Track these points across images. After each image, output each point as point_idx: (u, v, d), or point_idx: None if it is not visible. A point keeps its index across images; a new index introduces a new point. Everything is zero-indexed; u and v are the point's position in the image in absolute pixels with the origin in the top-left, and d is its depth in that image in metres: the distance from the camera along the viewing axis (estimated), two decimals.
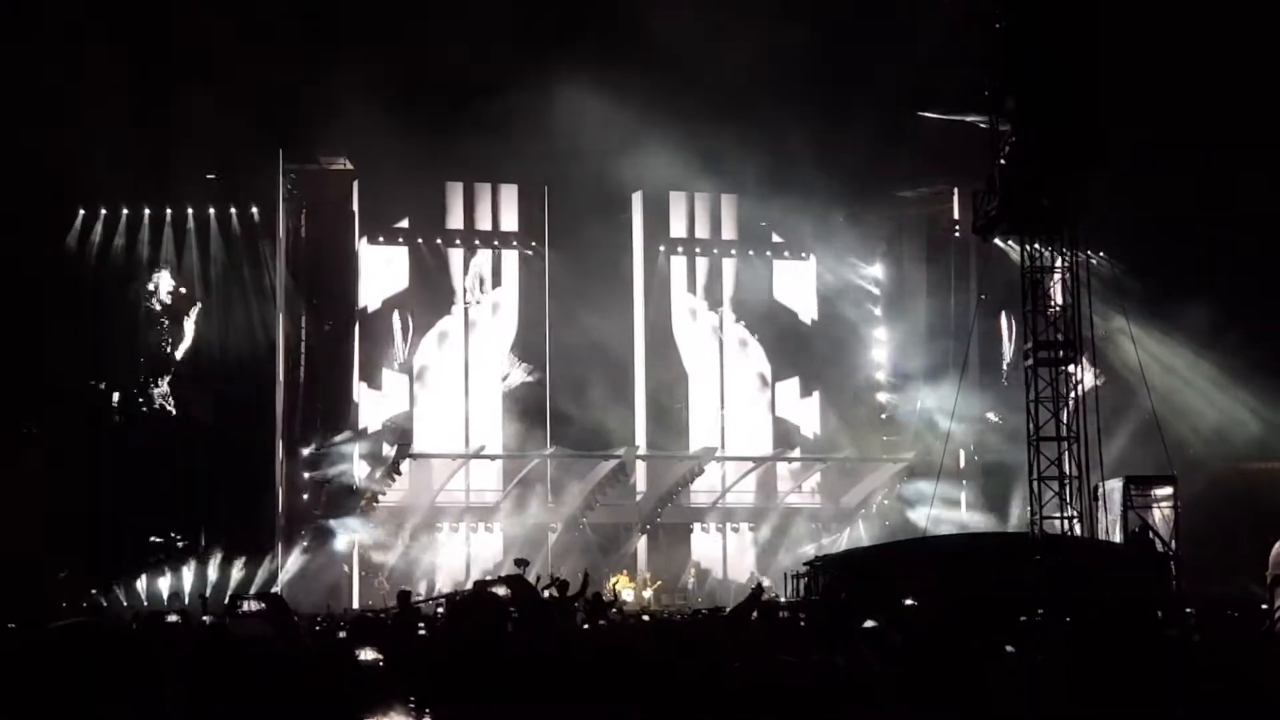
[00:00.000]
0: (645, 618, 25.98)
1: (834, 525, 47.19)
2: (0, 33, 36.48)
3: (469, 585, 35.47)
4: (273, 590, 38.19)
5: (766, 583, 39.11)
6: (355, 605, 40.22)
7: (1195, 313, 41.94)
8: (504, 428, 46.57)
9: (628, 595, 41.46)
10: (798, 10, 39.75)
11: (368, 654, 11.87)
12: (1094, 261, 39.46)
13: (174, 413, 43.81)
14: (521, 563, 27.09)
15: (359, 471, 44.14)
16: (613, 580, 41.29)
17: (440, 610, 26.69)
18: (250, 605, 29.68)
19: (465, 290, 46.91)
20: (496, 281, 47.19)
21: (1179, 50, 37.13)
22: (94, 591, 40.27)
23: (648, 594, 43.68)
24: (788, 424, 48.97)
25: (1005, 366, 47.00)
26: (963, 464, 46.98)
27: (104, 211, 43.54)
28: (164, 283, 44.09)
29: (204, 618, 28.47)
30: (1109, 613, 21.94)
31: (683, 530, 47.40)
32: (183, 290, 44.16)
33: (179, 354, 43.88)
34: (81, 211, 43.34)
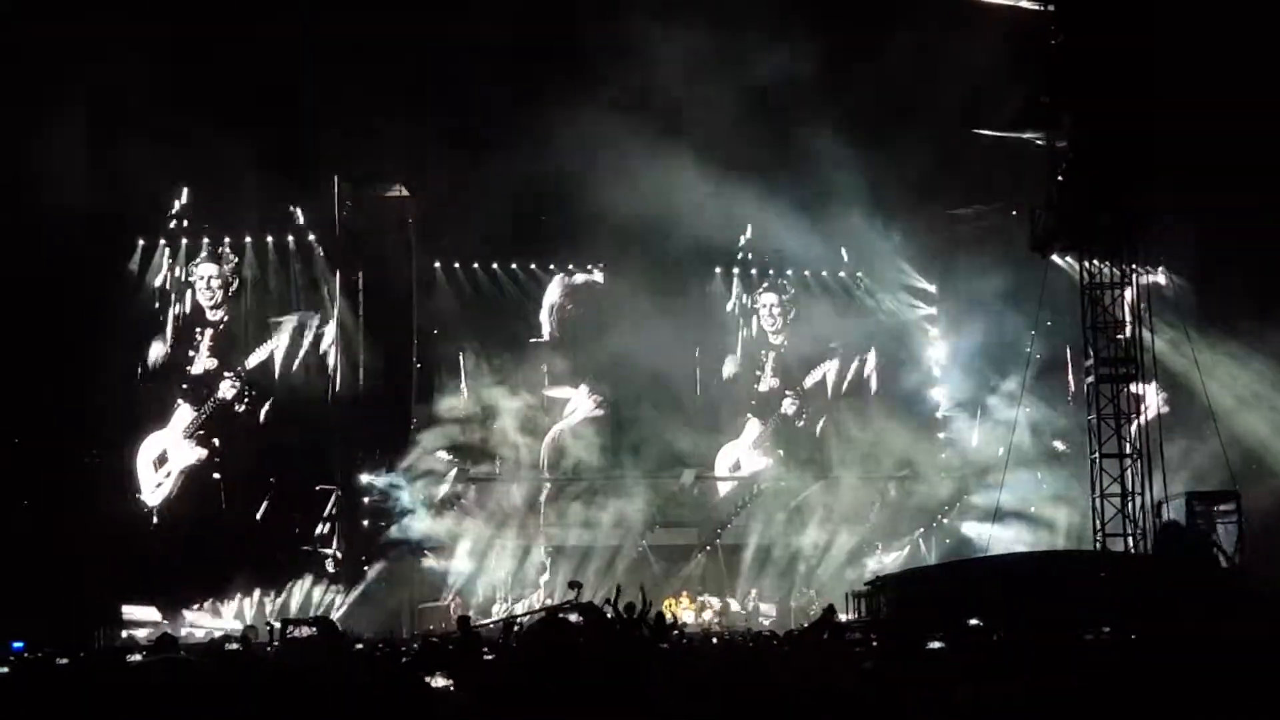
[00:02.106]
0: (714, 640, 25.91)
1: (895, 543, 46.96)
2: (62, 59, 36.69)
3: (531, 607, 35.53)
4: (328, 615, 38.29)
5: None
6: (417, 630, 40.22)
7: (1258, 326, 41.50)
8: (567, 449, 46.57)
9: (688, 616, 41.39)
10: (852, 29, 39.70)
11: (439, 680, 11.86)
12: (1155, 276, 39.33)
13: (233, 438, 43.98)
14: (575, 584, 26.99)
15: (420, 497, 44.22)
16: (666, 603, 41.12)
17: (501, 636, 26.72)
18: (301, 630, 29.84)
19: (528, 315, 46.98)
20: (560, 306, 47.13)
21: (1237, 59, 36.79)
22: (164, 620, 40.53)
23: (707, 615, 43.59)
24: (846, 442, 48.80)
25: (1071, 388, 46.71)
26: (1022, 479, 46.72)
27: (162, 242, 43.74)
28: (221, 309, 44.24)
29: (269, 646, 28.64)
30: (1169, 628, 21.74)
31: (743, 551, 47.24)
32: (236, 311, 44.30)
33: (236, 381, 44.02)
34: (140, 241, 43.56)
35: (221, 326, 44.41)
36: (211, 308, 44.32)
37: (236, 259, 44.31)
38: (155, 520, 43.12)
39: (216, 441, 44.04)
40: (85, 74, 36.80)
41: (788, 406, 49.33)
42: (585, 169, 40.04)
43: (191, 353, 44.26)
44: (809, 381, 49.47)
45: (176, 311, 44.07)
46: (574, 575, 41.34)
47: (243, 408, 44.25)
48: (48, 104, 36.08)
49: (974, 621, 23.90)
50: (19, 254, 37.64)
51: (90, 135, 37.50)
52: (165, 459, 43.63)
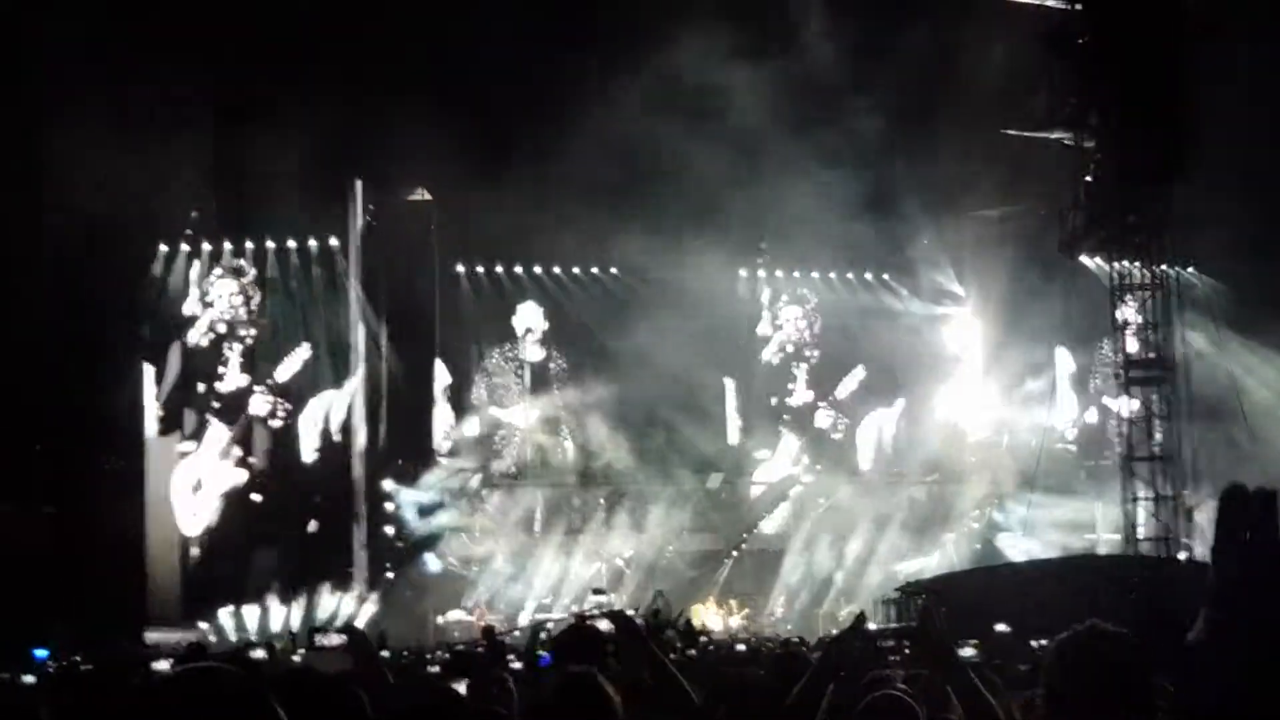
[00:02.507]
0: (740, 646, 25.62)
1: (925, 548, 46.64)
2: (77, 65, 36.57)
3: (557, 616, 35.28)
4: (351, 623, 38.08)
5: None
6: (441, 639, 40.03)
7: None
8: (591, 454, 46.42)
9: (715, 623, 41.15)
10: (877, 28, 39.46)
11: (463, 687, 11.59)
12: (1184, 277, 39.01)
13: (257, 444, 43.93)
14: (599, 591, 26.80)
15: (442, 504, 44.12)
16: (693, 608, 40.78)
17: (528, 644, 26.47)
18: (330, 639, 29.60)
19: (547, 318, 46.86)
20: (582, 309, 46.95)
21: (1269, 57, 36.40)
22: (205, 625, 40.47)
23: (735, 621, 43.33)
24: (875, 447, 48.64)
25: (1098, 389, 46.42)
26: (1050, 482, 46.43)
27: (185, 247, 43.66)
28: (242, 315, 44.16)
29: (294, 654, 28.39)
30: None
31: (771, 556, 47.01)
32: (263, 321, 44.26)
33: (269, 394, 44.00)
34: (163, 247, 43.47)
35: (250, 341, 44.29)
36: (237, 323, 44.19)
37: (255, 270, 44.16)
38: (196, 550, 43.02)
39: (253, 460, 43.93)
40: (91, 75, 36.53)
41: (822, 419, 49.11)
42: (606, 169, 39.81)
43: (221, 369, 44.12)
44: (842, 391, 49.22)
45: (201, 325, 43.95)
46: (599, 582, 41.19)
47: (278, 422, 44.13)
48: (60, 105, 35.79)
49: (1001, 627, 23.57)
50: (34, 258, 37.48)
51: (106, 139, 37.26)
52: (200, 485, 43.48)
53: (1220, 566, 4.53)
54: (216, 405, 44.06)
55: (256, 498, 43.65)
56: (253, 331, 44.32)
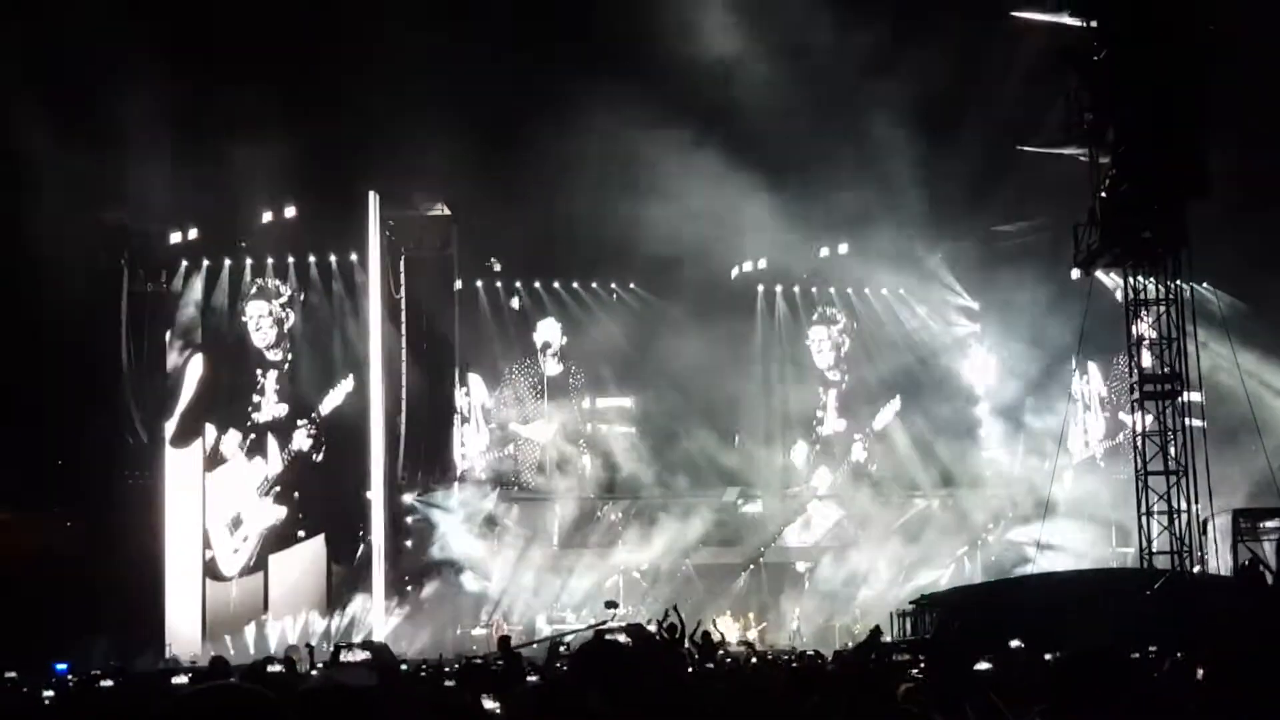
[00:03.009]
0: (753, 660, 25.80)
1: (939, 561, 46.73)
2: (86, 72, 36.71)
3: (573, 628, 35.39)
4: (375, 638, 38.24)
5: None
6: (459, 651, 40.18)
7: None
8: (610, 467, 46.54)
9: (732, 636, 41.24)
10: (891, 46, 39.54)
11: (488, 702, 11.77)
12: (1199, 292, 39.06)
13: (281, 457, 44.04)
14: (611, 604, 26.86)
15: (460, 518, 44.26)
16: (712, 621, 40.82)
17: (546, 657, 26.61)
18: (355, 654, 29.75)
19: (565, 332, 46.98)
20: (600, 324, 47.02)
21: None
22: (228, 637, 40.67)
23: (752, 634, 43.40)
24: (890, 460, 48.70)
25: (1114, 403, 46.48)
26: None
27: (206, 262, 43.84)
28: (263, 327, 44.26)
29: (313, 668, 28.54)
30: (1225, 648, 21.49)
31: (787, 570, 47.15)
32: (283, 335, 44.35)
33: (278, 399, 44.05)
34: (184, 262, 43.66)
35: (286, 366, 44.39)
36: (268, 348, 44.26)
37: (288, 292, 44.18)
38: (235, 589, 43.17)
39: (296, 495, 44.00)
40: (99, 88, 36.62)
41: (859, 453, 49.17)
42: (620, 186, 39.99)
43: (257, 397, 44.22)
44: (878, 423, 49.31)
45: (229, 342, 44.06)
46: (616, 595, 41.33)
47: (320, 456, 44.25)
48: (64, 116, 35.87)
49: (1015, 643, 23.68)
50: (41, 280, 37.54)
51: (119, 156, 37.38)
52: (240, 521, 43.56)
53: None
54: (253, 437, 44.07)
55: (300, 534, 43.75)
56: (288, 355, 44.36)
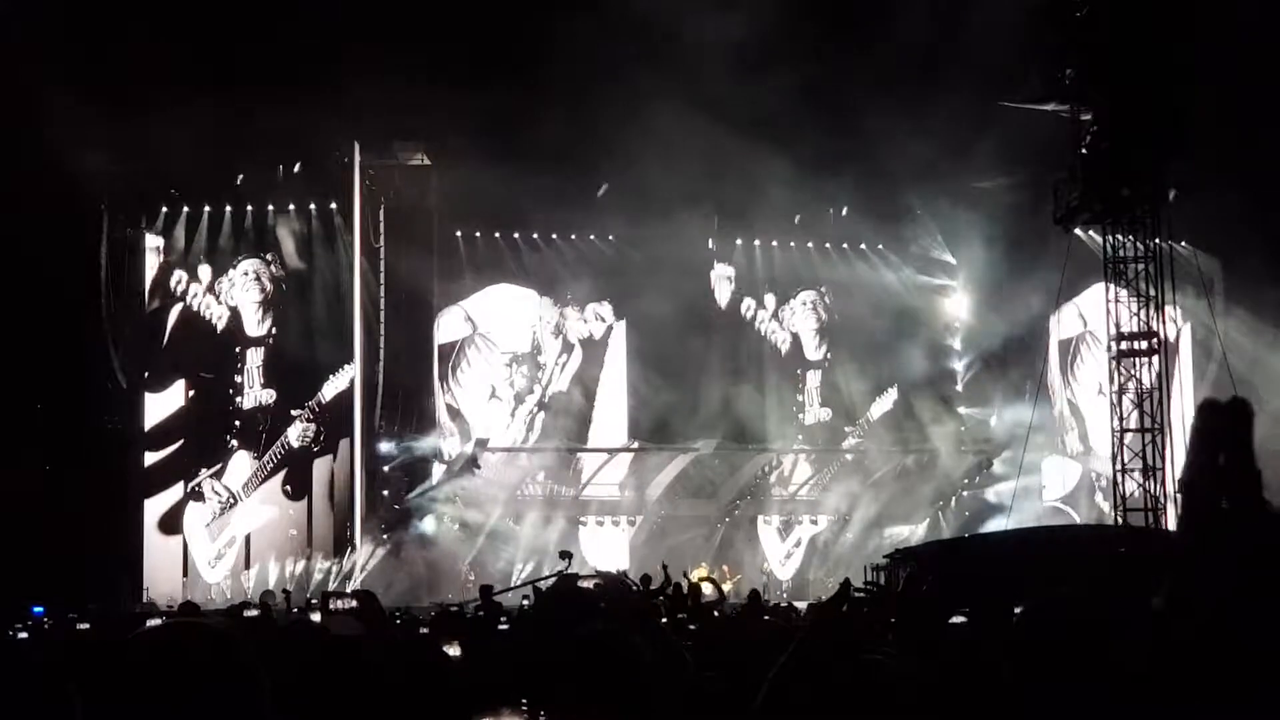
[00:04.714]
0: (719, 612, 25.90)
1: (914, 516, 46.85)
2: (64, 27, 36.39)
3: (548, 578, 35.48)
4: (358, 587, 38.25)
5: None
6: (437, 598, 40.27)
7: None
8: (583, 420, 46.54)
9: (706, 589, 41.32)
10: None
11: (453, 649, 11.81)
12: (1179, 250, 39.14)
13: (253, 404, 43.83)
14: (565, 554, 26.79)
15: (437, 469, 44.29)
16: (696, 574, 40.92)
17: (525, 602, 26.67)
18: (342, 603, 29.76)
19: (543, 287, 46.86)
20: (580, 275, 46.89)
21: (1270, 29, 36.40)
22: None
23: (727, 586, 43.51)
24: (860, 416, 48.65)
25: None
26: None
27: (186, 209, 43.63)
28: (241, 278, 44.02)
29: (291, 611, 28.60)
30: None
31: (761, 523, 47.28)
32: (262, 284, 44.13)
33: (257, 348, 43.85)
34: (164, 209, 43.47)
35: (271, 343, 43.95)
36: (227, 279, 43.91)
37: (272, 269, 43.84)
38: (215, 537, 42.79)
39: (289, 488, 43.37)
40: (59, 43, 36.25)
41: (851, 445, 48.73)
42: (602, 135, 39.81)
43: (238, 378, 43.64)
44: (875, 411, 48.95)
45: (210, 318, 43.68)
46: (592, 544, 41.55)
47: (318, 447, 43.57)
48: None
49: (987, 595, 23.74)
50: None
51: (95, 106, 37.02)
52: (221, 524, 42.96)
53: (1191, 496, 4.08)
54: (237, 424, 43.34)
55: (293, 532, 43.04)
56: (272, 332, 43.74)
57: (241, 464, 42.90)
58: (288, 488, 42.95)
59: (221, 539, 42.48)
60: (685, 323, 44.62)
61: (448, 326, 45.71)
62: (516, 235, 46.66)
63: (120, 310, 42.08)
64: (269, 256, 43.75)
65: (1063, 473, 47.81)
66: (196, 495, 42.28)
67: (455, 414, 45.63)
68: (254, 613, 28.93)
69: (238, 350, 43.52)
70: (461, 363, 45.91)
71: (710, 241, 47.30)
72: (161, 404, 42.75)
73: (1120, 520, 34.26)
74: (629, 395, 46.47)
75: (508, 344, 46.39)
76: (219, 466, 42.69)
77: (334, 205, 44.05)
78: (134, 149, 39.09)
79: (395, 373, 44.05)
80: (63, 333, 40.05)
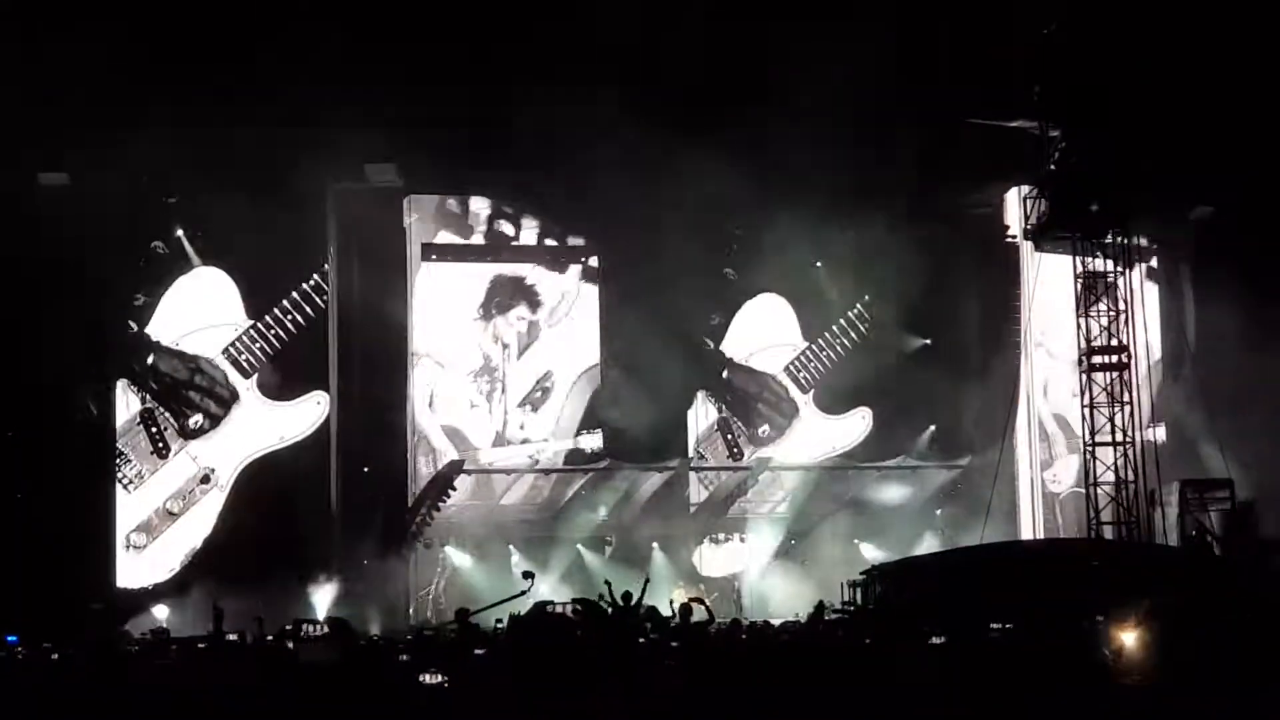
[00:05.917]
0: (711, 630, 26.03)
1: (892, 532, 46.77)
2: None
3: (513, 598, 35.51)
4: (332, 615, 38.10)
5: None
6: (412, 624, 40.22)
7: (1259, 311, 41.14)
8: (558, 439, 46.50)
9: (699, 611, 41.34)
10: (838, 18, 39.11)
11: (434, 677, 11.86)
12: (1149, 264, 39.39)
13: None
14: (528, 575, 26.79)
15: (411, 489, 44.23)
16: (676, 594, 40.96)
17: (500, 625, 26.62)
18: (313, 629, 29.81)
19: (519, 305, 46.77)
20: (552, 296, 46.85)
21: (1233, 47, 36.57)
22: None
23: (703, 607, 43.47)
24: (840, 434, 48.70)
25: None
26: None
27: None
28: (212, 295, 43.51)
29: (265, 639, 28.60)
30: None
31: (738, 537, 47.29)
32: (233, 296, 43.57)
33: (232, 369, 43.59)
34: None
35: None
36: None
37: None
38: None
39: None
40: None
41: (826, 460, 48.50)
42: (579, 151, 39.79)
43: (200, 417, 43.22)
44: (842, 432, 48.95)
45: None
46: (555, 567, 41.70)
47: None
48: None
49: (963, 612, 23.99)
50: None
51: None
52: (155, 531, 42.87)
53: None
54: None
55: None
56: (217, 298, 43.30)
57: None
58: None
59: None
60: (667, 339, 44.57)
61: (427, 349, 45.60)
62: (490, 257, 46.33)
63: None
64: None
65: (1033, 486, 47.78)
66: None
67: (451, 431, 45.46)
68: (233, 637, 29.25)
69: None
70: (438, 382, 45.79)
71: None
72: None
73: (1093, 534, 34.40)
74: (603, 412, 46.29)
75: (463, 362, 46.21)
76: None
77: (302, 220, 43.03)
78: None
79: (371, 400, 43.75)
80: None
